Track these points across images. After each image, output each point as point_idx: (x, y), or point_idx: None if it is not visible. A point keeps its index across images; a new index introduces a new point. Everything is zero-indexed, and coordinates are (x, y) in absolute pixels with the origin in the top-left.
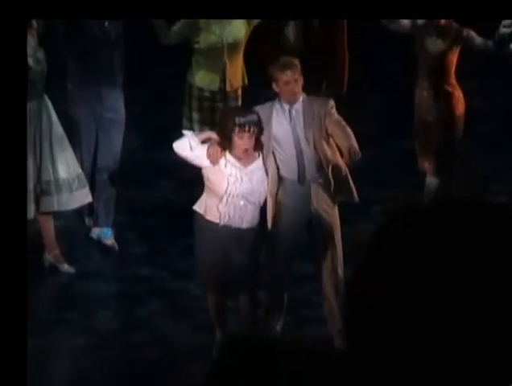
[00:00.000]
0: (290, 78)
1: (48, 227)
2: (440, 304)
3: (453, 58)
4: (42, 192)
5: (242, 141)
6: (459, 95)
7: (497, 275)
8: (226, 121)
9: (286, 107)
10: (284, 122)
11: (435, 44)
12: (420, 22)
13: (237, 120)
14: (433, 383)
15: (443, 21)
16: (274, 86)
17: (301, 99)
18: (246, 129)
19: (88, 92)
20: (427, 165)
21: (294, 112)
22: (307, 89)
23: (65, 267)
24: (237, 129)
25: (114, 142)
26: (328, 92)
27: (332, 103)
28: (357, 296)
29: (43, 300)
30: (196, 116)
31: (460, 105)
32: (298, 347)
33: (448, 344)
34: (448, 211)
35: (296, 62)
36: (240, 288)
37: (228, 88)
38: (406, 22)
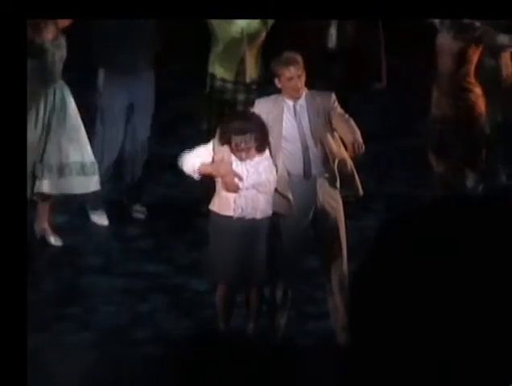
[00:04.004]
0: (293, 74)
1: (44, 209)
2: (446, 301)
3: (474, 56)
4: (46, 176)
5: (239, 153)
6: (479, 92)
7: (503, 273)
8: (223, 136)
9: (291, 103)
10: (289, 118)
11: (455, 42)
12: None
13: (234, 139)
14: (438, 381)
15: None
16: (276, 82)
17: (304, 94)
18: (242, 146)
19: (118, 80)
20: (442, 162)
21: (298, 107)
22: (351, 85)
23: (52, 239)
24: (233, 144)
25: (142, 131)
26: (369, 88)
27: (334, 97)
28: (361, 292)
29: (45, 295)
30: (215, 108)
31: (479, 103)
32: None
33: (453, 341)
34: (455, 209)
35: (299, 58)
36: (257, 279)
37: (247, 80)
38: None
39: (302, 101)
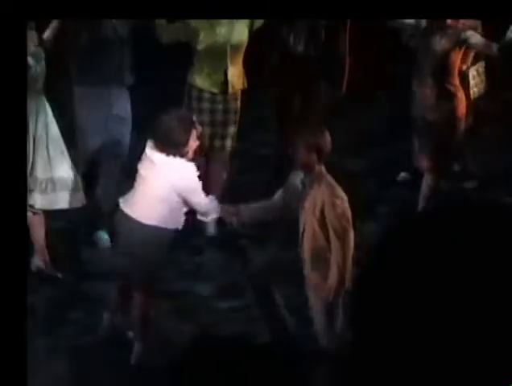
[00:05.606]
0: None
1: (39, 229)
2: (450, 307)
3: (456, 58)
4: (35, 190)
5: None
6: (461, 96)
7: (504, 279)
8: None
9: (300, 173)
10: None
11: (439, 44)
12: (424, 21)
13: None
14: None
15: (448, 20)
16: (290, 151)
17: (315, 170)
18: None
19: (94, 92)
20: (425, 163)
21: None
22: (306, 91)
23: (54, 273)
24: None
25: (120, 143)
26: (328, 94)
27: (338, 192)
28: (363, 298)
29: (46, 299)
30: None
31: (461, 106)
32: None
33: (455, 348)
34: (456, 215)
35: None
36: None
37: (229, 90)
38: (409, 20)
39: (309, 178)
